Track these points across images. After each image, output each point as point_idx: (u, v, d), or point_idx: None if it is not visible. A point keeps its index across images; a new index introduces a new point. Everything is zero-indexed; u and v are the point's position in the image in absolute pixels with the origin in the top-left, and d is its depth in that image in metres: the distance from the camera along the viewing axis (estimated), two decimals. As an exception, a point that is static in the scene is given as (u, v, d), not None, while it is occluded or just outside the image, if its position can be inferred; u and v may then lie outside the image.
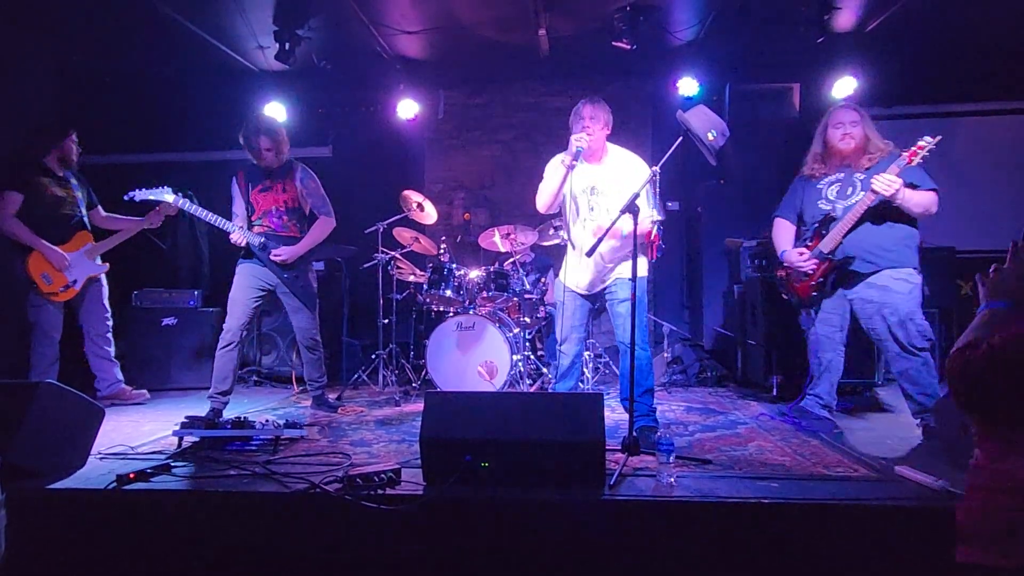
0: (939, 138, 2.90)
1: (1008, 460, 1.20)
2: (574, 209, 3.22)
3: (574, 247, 3.28)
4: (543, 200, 3.18)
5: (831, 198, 3.25)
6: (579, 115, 3.06)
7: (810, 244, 3.29)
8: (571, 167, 3.01)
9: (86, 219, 4.10)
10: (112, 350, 4.18)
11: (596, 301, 3.35)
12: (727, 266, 5.27)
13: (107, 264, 4.15)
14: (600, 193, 3.15)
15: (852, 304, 3.24)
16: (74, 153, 4.03)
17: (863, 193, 3.09)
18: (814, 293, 3.30)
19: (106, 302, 4.17)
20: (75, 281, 3.94)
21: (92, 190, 4.21)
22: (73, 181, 4.07)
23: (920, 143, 2.91)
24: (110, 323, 4.18)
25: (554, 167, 3.15)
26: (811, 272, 3.25)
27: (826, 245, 3.19)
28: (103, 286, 4.16)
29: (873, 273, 3.12)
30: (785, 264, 3.38)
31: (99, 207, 4.21)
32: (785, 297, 3.54)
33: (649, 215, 2.95)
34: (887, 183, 2.92)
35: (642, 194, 2.78)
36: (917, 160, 2.93)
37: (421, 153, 6.32)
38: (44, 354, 3.87)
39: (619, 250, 3.15)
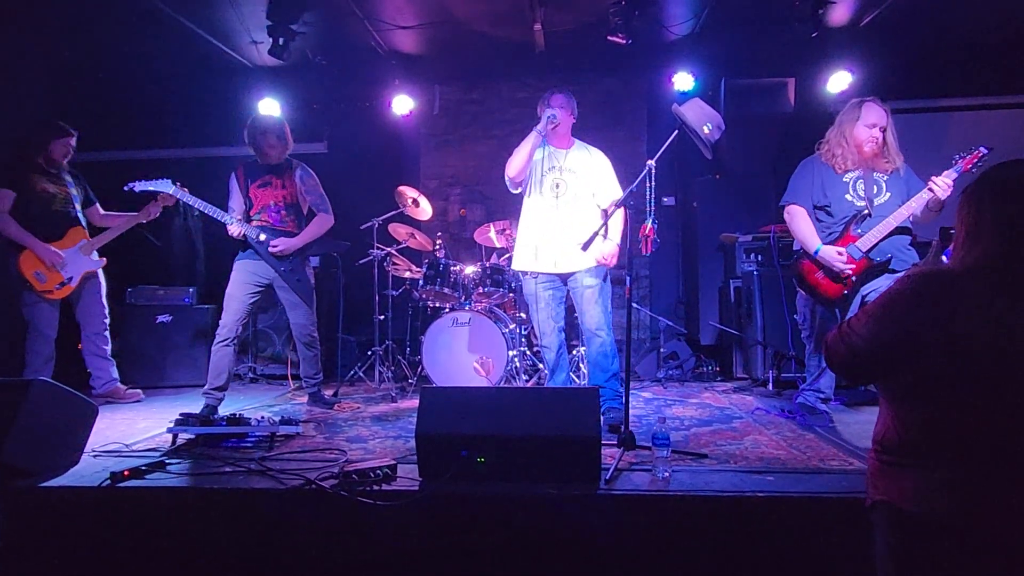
0: (992, 149, 2.99)
1: (877, 423, 1.41)
2: (539, 187, 3.35)
3: (531, 225, 3.37)
4: (514, 165, 3.29)
5: (861, 194, 3.20)
6: (547, 102, 3.31)
7: (838, 240, 3.19)
8: (543, 132, 3.20)
9: (80, 215, 4.07)
10: (109, 348, 4.16)
11: (563, 286, 3.39)
12: (723, 261, 5.27)
13: (104, 259, 4.13)
14: (569, 172, 3.32)
15: (866, 298, 3.18)
16: (61, 155, 3.96)
17: (889, 194, 3.15)
18: (845, 292, 3.18)
19: (104, 299, 4.15)
20: (71, 278, 3.92)
21: (90, 188, 4.19)
22: (68, 178, 4.04)
23: (975, 152, 3.01)
24: (107, 320, 4.16)
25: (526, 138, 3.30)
26: (848, 272, 3.14)
27: (864, 244, 3.11)
28: (101, 283, 4.14)
29: (897, 271, 3.13)
30: (819, 260, 3.20)
31: (97, 205, 4.19)
32: (802, 292, 3.40)
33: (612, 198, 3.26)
34: (945, 187, 2.97)
35: (612, 182, 3.19)
36: (973, 168, 3.00)
37: (416, 149, 6.30)
38: (39, 352, 3.84)
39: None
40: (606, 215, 3.01)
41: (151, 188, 3.64)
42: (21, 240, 3.78)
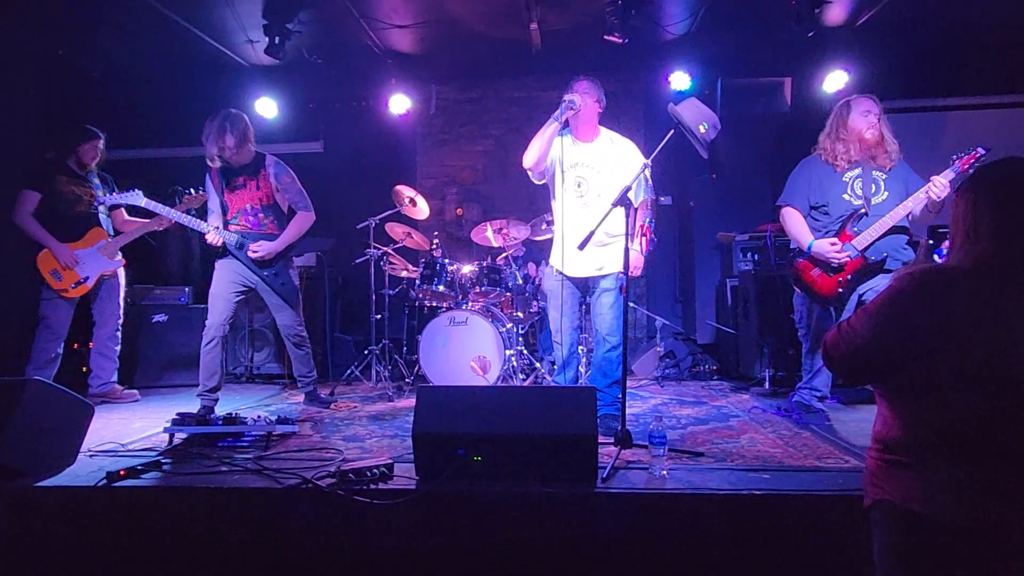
0: (990, 149, 2.97)
1: (876, 423, 1.41)
2: (562, 184, 3.22)
3: (561, 226, 3.28)
4: (528, 155, 3.16)
5: (858, 193, 3.20)
6: (572, 88, 3.12)
7: (836, 238, 3.19)
8: (560, 120, 3.03)
9: (103, 217, 4.09)
10: (118, 349, 4.16)
11: (585, 291, 3.34)
12: (719, 260, 5.29)
13: (123, 260, 4.15)
14: (590, 169, 3.17)
15: (863, 297, 3.20)
16: (91, 158, 4.03)
17: (887, 193, 3.16)
18: (840, 290, 3.19)
19: (120, 300, 4.16)
20: (87, 278, 3.96)
21: (118, 190, 4.16)
22: (96, 181, 4.09)
23: (973, 153, 3.01)
24: (120, 321, 4.17)
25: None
26: (842, 267, 3.15)
27: (860, 242, 3.12)
28: (119, 283, 4.16)
29: (892, 270, 3.13)
30: (813, 255, 3.22)
31: (123, 209, 4.19)
32: (799, 290, 3.39)
33: (642, 200, 3.11)
34: (942, 187, 2.97)
35: (633, 186, 2.85)
36: (971, 168, 2.98)
37: (413, 148, 6.31)
38: (46, 349, 3.88)
39: (609, 237, 3.15)
40: (634, 213, 2.97)
41: (122, 202, 3.66)
42: (40, 239, 3.86)
